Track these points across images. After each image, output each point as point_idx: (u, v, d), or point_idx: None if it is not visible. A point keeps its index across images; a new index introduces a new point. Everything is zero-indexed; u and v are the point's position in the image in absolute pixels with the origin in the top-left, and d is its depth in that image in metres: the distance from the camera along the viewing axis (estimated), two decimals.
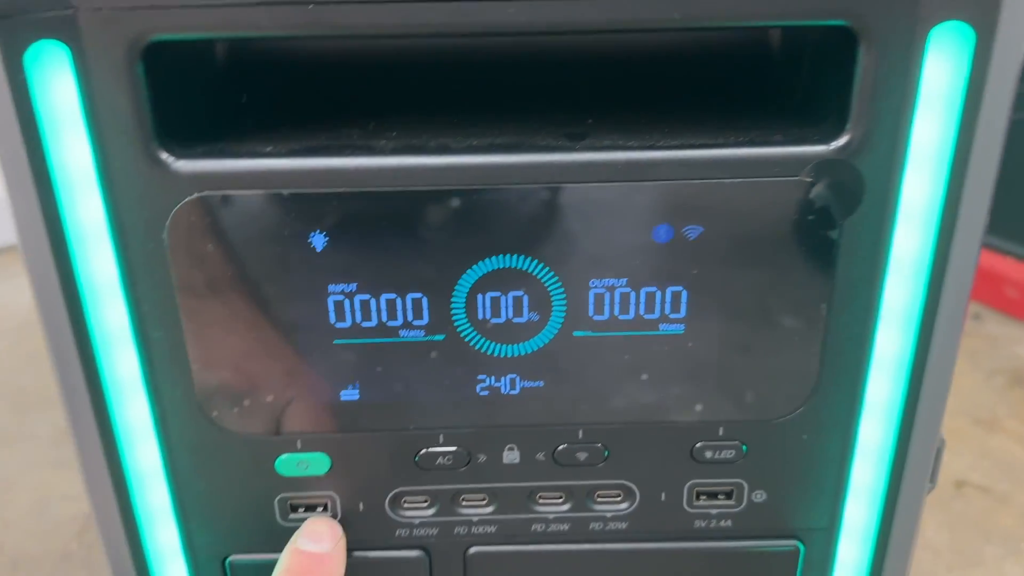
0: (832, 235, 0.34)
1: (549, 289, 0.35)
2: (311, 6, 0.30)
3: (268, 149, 0.33)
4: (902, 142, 0.32)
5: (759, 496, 0.39)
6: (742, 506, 0.39)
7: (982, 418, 1.07)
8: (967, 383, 1.15)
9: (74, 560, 0.85)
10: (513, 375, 0.37)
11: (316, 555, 0.38)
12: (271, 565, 0.39)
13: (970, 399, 1.11)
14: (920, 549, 0.87)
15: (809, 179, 0.33)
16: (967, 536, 0.89)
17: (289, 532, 0.39)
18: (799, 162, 0.32)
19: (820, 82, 0.35)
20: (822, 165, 0.32)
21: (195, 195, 0.33)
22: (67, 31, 0.30)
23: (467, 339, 0.36)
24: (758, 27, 0.36)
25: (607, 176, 0.33)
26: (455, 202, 0.33)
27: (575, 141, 0.34)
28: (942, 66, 0.31)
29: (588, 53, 0.40)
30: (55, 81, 0.31)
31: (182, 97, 0.34)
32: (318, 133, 0.34)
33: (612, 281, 0.35)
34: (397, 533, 0.40)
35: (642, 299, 0.35)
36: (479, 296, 0.35)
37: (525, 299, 0.35)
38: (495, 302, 0.35)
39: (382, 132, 0.35)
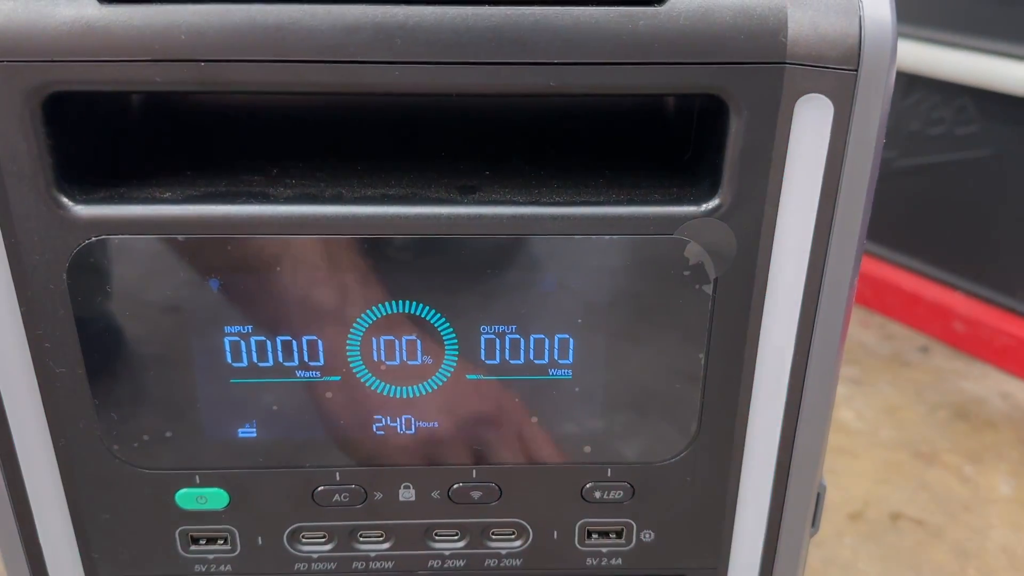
0: (706, 290, 0.35)
1: (442, 333, 0.37)
2: (202, 64, 0.31)
3: (167, 195, 0.34)
4: (771, 205, 0.34)
5: (648, 536, 0.40)
6: (631, 545, 0.41)
7: (922, 451, 1.09)
8: (910, 416, 1.17)
9: None
10: (408, 415, 0.38)
11: None
12: None
13: (912, 432, 1.14)
14: None
15: (683, 237, 0.34)
16: (898, 569, 0.91)
17: (190, 563, 0.40)
18: (673, 221, 0.34)
19: (703, 146, 0.36)
20: (695, 225, 0.34)
21: (93, 239, 0.34)
22: None
23: (363, 380, 0.37)
24: (632, 95, 0.38)
25: (494, 229, 0.34)
26: (349, 250, 0.35)
27: (465, 194, 0.35)
28: (806, 135, 0.33)
29: (491, 108, 0.42)
30: None
31: (85, 142, 0.35)
32: (219, 179, 0.36)
33: (502, 327, 0.37)
34: (296, 567, 0.41)
35: (531, 345, 0.37)
36: (373, 339, 0.36)
37: (419, 343, 0.37)
38: (389, 345, 0.37)
39: (282, 179, 0.36)
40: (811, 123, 0.32)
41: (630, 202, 0.34)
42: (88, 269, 0.34)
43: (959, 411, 1.18)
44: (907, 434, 1.13)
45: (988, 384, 1.24)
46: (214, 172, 0.36)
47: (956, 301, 1.35)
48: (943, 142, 1.32)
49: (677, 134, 0.40)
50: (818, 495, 0.40)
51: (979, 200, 1.31)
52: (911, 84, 1.31)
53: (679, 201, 0.34)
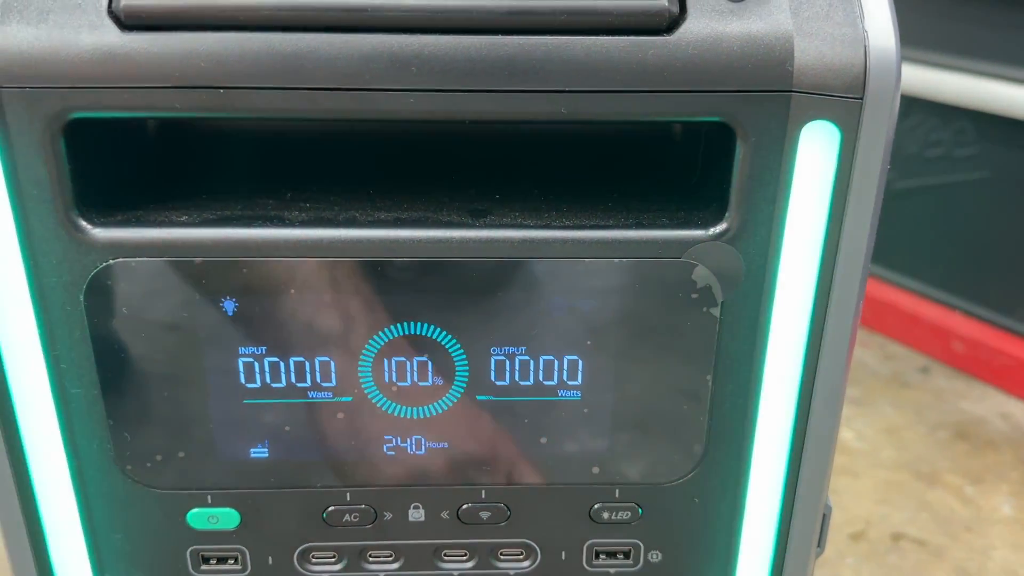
0: (714, 312, 0.36)
1: (452, 355, 0.37)
2: (221, 90, 0.32)
3: (183, 218, 0.35)
4: (777, 228, 0.34)
5: (655, 556, 0.41)
6: (639, 566, 0.41)
7: (923, 472, 1.09)
8: (911, 436, 1.17)
9: None
10: (418, 436, 0.38)
11: None
12: None
13: (913, 452, 1.14)
14: None
15: (691, 261, 0.35)
16: None
17: None
18: (681, 245, 0.35)
19: (710, 170, 0.37)
20: (702, 248, 0.35)
21: (111, 261, 0.34)
22: None
23: (374, 401, 0.37)
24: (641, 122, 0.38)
25: (505, 252, 0.35)
26: (362, 272, 0.35)
27: (477, 218, 0.36)
28: (812, 161, 0.33)
29: (502, 133, 0.42)
30: None
31: (105, 166, 0.36)
32: (234, 203, 0.36)
33: (512, 349, 0.37)
34: None
35: (541, 366, 0.37)
36: (385, 361, 0.37)
37: (430, 364, 0.37)
38: (401, 366, 0.37)
39: (297, 203, 0.37)
40: (817, 149, 0.33)
41: (639, 226, 0.35)
42: (105, 291, 0.35)
43: (960, 431, 1.18)
44: (908, 455, 1.13)
45: (988, 404, 1.24)
46: (230, 196, 0.37)
47: (956, 322, 1.35)
48: (942, 164, 1.33)
49: (685, 158, 0.40)
50: (824, 516, 0.40)
51: (978, 221, 1.32)
52: (910, 106, 1.32)
53: (687, 225, 0.35)
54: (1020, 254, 1.29)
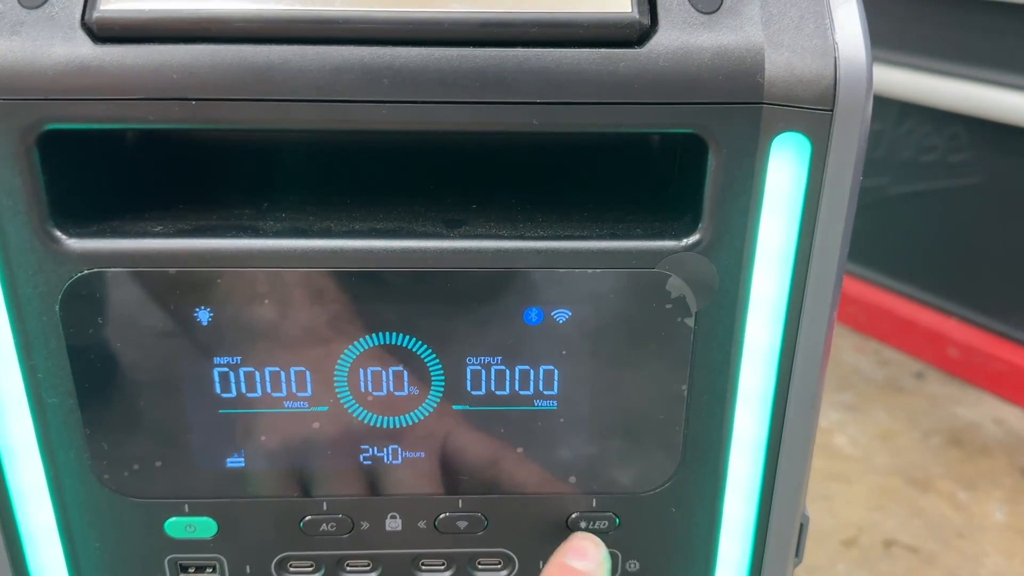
0: (688, 322, 0.36)
1: (428, 365, 0.37)
2: (193, 102, 0.32)
3: (158, 229, 0.35)
4: (750, 239, 0.34)
5: (632, 566, 0.41)
6: (617, 575, 0.41)
7: (916, 478, 1.09)
8: (904, 442, 1.17)
9: None
10: (395, 446, 0.38)
11: (581, 572, 0.39)
12: None
13: (906, 458, 1.14)
14: None
15: (665, 271, 0.35)
16: None
17: None
18: (655, 255, 0.35)
19: (684, 181, 0.37)
20: (676, 259, 0.35)
21: (86, 271, 0.34)
22: None
23: (350, 411, 0.38)
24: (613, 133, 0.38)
25: (480, 263, 0.35)
26: (337, 283, 0.35)
27: (452, 228, 0.36)
28: (783, 172, 0.33)
29: (478, 144, 0.43)
30: None
31: (80, 177, 0.36)
32: (210, 213, 0.36)
33: (488, 359, 0.37)
34: None
35: (517, 376, 0.37)
36: (361, 370, 0.37)
37: (405, 374, 0.37)
38: (376, 376, 0.37)
39: (272, 213, 0.37)
40: (788, 160, 0.33)
41: (613, 236, 0.35)
42: (80, 301, 0.35)
43: (953, 437, 1.18)
44: (901, 461, 1.13)
45: (982, 410, 1.24)
46: (205, 206, 0.37)
47: (951, 327, 1.35)
48: (936, 169, 1.33)
49: (660, 169, 0.41)
50: (801, 525, 0.40)
51: (972, 226, 1.32)
52: (904, 112, 1.32)
53: (661, 235, 0.35)
54: (1015, 259, 1.29)
